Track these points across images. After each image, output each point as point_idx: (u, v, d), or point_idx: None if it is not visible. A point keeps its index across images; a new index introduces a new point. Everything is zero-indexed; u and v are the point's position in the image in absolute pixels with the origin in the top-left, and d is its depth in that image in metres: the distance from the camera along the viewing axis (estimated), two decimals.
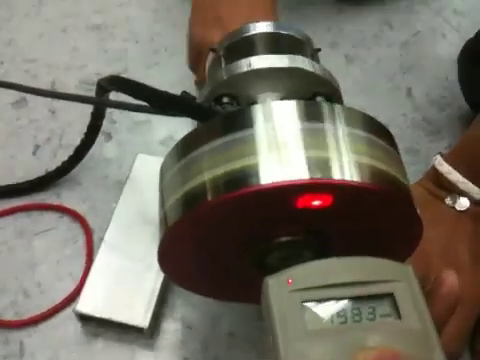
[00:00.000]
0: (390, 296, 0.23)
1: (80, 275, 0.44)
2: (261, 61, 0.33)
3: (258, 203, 0.26)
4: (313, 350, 0.21)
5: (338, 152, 0.26)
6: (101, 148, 0.52)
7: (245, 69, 0.33)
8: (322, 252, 0.29)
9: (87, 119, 0.45)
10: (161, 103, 0.32)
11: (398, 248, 0.31)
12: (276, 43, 0.36)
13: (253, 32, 0.36)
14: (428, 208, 0.45)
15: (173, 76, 0.56)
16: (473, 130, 0.46)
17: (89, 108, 0.53)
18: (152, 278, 0.41)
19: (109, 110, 0.54)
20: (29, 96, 0.56)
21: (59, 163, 0.49)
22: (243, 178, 0.25)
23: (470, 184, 0.44)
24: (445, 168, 0.45)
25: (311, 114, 0.27)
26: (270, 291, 0.23)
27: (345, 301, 0.23)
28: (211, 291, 0.36)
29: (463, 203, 0.44)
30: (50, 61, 0.59)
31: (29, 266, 0.44)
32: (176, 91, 0.33)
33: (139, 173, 0.47)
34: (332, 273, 0.24)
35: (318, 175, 0.25)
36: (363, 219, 0.28)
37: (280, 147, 0.26)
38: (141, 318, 0.40)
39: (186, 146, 0.29)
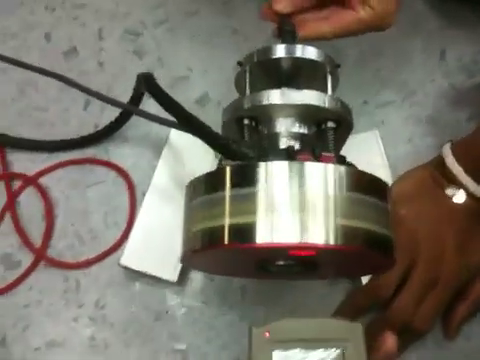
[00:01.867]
0: (341, 353, 0.31)
1: (124, 226, 0.53)
2: (278, 97, 0.37)
3: (260, 250, 0.33)
4: None
5: (325, 214, 0.32)
6: (143, 105, 0.57)
7: (264, 102, 0.37)
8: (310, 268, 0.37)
9: (132, 73, 0.49)
10: (187, 125, 0.38)
11: (377, 265, 0.38)
12: (296, 69, 0.40)
13: (276, 56, 0.40)
14: (427, 194, 0.50)
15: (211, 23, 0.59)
16: None
17: (135, 63, 0.58)
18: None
19: (150, 64, 0.59)
20: (80, 45, 0.61)
21: (106, 118, 0.55)
22: (250, 232, 0.32)
23: (470, 179, 0.48)
24: (450, 159, 0.49)
25: (304, 176, 0.32)
26: (253, 338, 0.32)
27: (304, 353, 0.31)
28: (225, 273, 0.44)
29: (461, 196, 0.49)
30: (97, 6, 0.62)
31: (82, 214, 0.53)
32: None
33: (175, 144, 0.53)
34: (300, 330, 0.32)
35: (304, 239, 0.31)
36: (345, 260, 0.35)
37: (277, 209, 0.32)
38: (171, 273, 0.49)
39: (211, 184, 0.35)
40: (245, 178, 0.33)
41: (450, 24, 0.61)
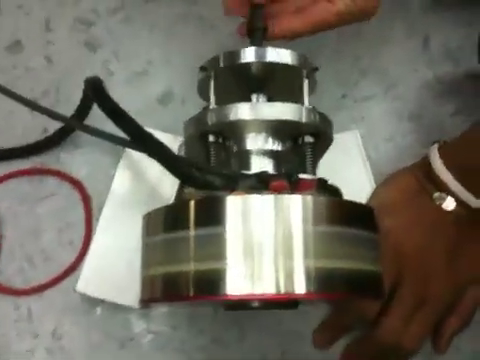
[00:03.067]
0: None
1: (80, 244, 0.47)
2: (247, 111, 0.32)
3: (233, 301, 0.28)
4: None
5: (304, 258, 0.27)
6: (94, 113, 0.51)
7: (231, 118, 0.32)
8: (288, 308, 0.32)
9: (85, 69, 0.43)
10: (140, 145, 0.32)
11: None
12: (269, 74, 0.34)
13: (245, 60, 0.34)
14: (413, 202, 0.46)
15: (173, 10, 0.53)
16: (473, 132, 0.44)
17: (87, 56, 0.52)
18: None
19: (105, 58, 0.53)
20: (24, 39, 0.54)
21: (56, 122, 0.49)
22: (219, 282, 0.27)
23: (459, 186, 0.44)
24: (437, 164, 0.44)
25: (279, 213, 0.28)
26: None
27: None
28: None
29: (450, 203, 0.45)
30: None
31: (33, 233, 0.48)
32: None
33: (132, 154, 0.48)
34: None
35: (281, 289, 0.27)
36: (331, 300, 0.30)
37: (249, 253, 0.27)
38: (134, 299, 0.44)
39: (173, 220, 0.30)
40: (212, 215, 0.28)
41: (434, 5, 0.56)
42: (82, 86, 0.44)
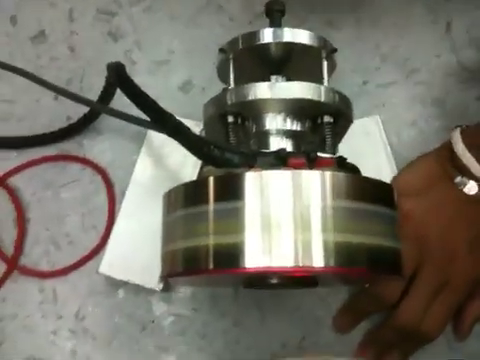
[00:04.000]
0: None
1: (103, 229, 0.48)
2: (266, 90, 0.32)
3: (252, 274, 0.28)
4: None
5: (323, 232, 0.27)
6: (118, 97, 0.52)
7: (251, 97, 0.32)
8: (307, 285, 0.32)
9: (107, 58, 0.43)
10: (161, 125, 0.33)
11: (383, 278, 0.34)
12: (287, 55, 0.34)
13: (263, 41, 0.34)
14: (436, 186, 0.45)
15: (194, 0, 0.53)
16: None
17: (110, 46, 0.52)
18: None
19: (127, 48, 0.54)
20: (49, 30, 0.55)
21: (80, 109, 0.50)
22: (238, 255, 0.27)
23: None
24: (460, 148, 0.44)
25: (298, 187, 0.28)
26: None
27: None
28: (213, 286, 0.40)
29: (472, 187, 0.44)
30: None
31: (57, 218, 0.49)
32: None
33: (155, 136, 0.48)
34: None
35: (299, 262, 0.27)
36: (350, 277, 0.30)
37: (267, 227, 0.27)
38: (155, 281, 0.45)
39: (192, 196, 0.30)
40: (230, 190, 0.28)
41: None
42: (104, 75, 0.45)
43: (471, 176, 0.44)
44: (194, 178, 0.47)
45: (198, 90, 0.53)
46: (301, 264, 0.27)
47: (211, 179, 0.29)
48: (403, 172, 0.47)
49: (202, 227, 0.29)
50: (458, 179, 0.45)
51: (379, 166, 0.49)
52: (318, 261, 0.27)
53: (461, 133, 0.45)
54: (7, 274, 0.47)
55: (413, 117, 0.52)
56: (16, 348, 0.46)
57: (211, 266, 0.28)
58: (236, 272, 0.27)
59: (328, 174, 0.28)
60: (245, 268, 0.27)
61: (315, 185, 0.28)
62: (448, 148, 0.45)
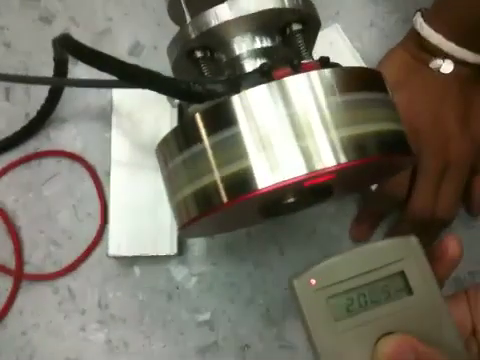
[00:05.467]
0: (401, 274, 0.26)
1: (99, 214, 0.46)
2: (227, 11, 0.31)
3: (268, 194, 0.27)
4: (342, 343, 0.25)
5: (326, 132, 0.26)
6: (72, 75, 0.49)
7: (213, 23, 0.31)
8: (324, 195, 0.32)
9: (47, 43, 0.41)
10: (131, 78, 0.31)
11: (396, 165, 0.33)
12: None
13: None
14: (413, 75, 0.45)
15: None
16: None
17: (45, 31, 0.50)
18: (166, 206, 0.44)
19: (64, 26, 0.51)
20: None
21: (35, 102, 0.48)
22: (249, 179, 0.26)
23: (453, 45, 0.43)
24: (426, 31, 0.44)
25: (288, 95, 0.27)
26: (298, 292, 0.26)
27: (363, 289, 0.26)
28: (227, 230, 0.39)
29: (447, 66, 0.44)
30: None
31: (48, 217, 0.47)
32: None
33: (121, 106, 0.46)
34: (347, 267, 0.26)
35: (312, 167, 0.26)
36: (362, 172, 0.30)
37: (269, 143, 0.26)
38: (168, 247, 0.44)
39: (184, 138, 0.29)
40: (221, 119, 0.27)
41: None
42: (49, 62, 0.42)
43: (444, 55, 0.44)
44: None
45: (149, 50, 0.51)
46: (315, 168, 0.26)
47: (197, 115, 0.28)
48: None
49: (204, 165, 0.27)
50: (433, 62, 0.44)
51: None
52: (330, 161, 0.26)
53: (422, 17, 0.44)
54: (16, 287, 0.45)
55: (370, 18, 0.52)
56: (49, 355, 0.44)
57: (225, 199, 0.27)
58: (251, 196, 0.26)
59: (314, 74, 0.27)
60: (259, 190, 0.26)
61: (304, 88, 0.27)
62: (414, 35, 0.45)
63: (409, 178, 0.43)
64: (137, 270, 0.46)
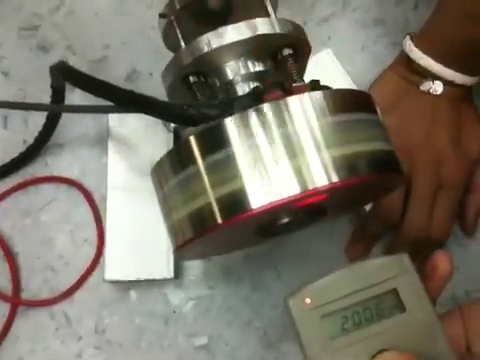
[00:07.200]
0: (394, 292, 0.27)
1: (95, 239, 0.47)
2: (219, 38, 0.31)
3: (262, 214, 0.27)
4: None
5: (318, 152, 0.27)
6: (69, 101, 0.50)
7: (206, 50, 0.32)
8: (318, 215, 0.32)
9: (45, 71, 0.41)
10: (127, 103, 0.31)
11: (387, 185, 0.34)
12: (226, 3, 0.34)
13: None
14: (404, 97, 0.46)
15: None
16: (441, 8, 0.44)
17: (43, 59, 0.51)
18: (163, 229, 0.44)
19: (61, 55, 0.52)
20: None
21: (33, 130, 0.48)
22: (242, 199, 0.27)
23: (442, 67, 0.44)
24: (415, 54, 0.45)
25: (280, 117, 0.27)
26: (293, 312, 0.26)
27: (357, 307, 0.27)
28: (223, 252, 0.39)
29: (437, 88, 0.45)
30: None
31: (45, 243, 0.47)
32: None
33: (117, 132, 0.47)
34: (341, 285, 0.27)
35: (305, 186, 0.26)
36: (354, 191, 0.30)
37: (262, 163, 0.27)
38: (165, 271, 0.44)
39: (179, 161, 0.29)
40: (215, 141, 0.28)
41: None
42: (47, 89, 0.43)
43: (433, 76, 0.45)
44: None
45: (145, 76, 0.52)
46: (308, 187, 0.26)
47: (191, 138, 0.28)
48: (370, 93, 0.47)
49: (198, 187, 0.28)
50: (423, 84, 0.45)
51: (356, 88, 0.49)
52: (322, 180, 0.26)
53: (411, 40, 0.45)
54: (12, 313, 0.45)
55: (361, 42, 0.53)
56: None
57: (219, 220, 0.27)
58: (245, 217, 0.27)
59: (305, 96, 0.28)
60: (253, 209, 0.26)
61: (296, 110, 0.28)
62: (404, 58, 0.46)
63: (401, 197, 0.43)
64: (133, 294, 0.46)
